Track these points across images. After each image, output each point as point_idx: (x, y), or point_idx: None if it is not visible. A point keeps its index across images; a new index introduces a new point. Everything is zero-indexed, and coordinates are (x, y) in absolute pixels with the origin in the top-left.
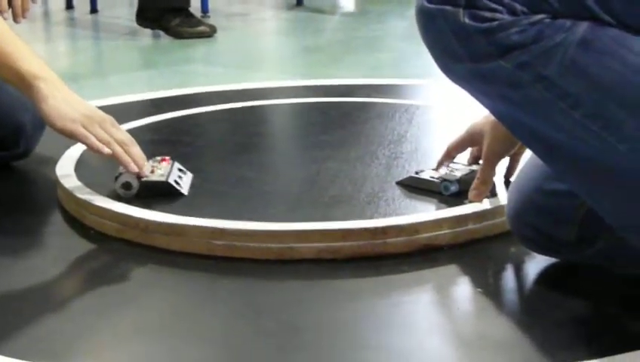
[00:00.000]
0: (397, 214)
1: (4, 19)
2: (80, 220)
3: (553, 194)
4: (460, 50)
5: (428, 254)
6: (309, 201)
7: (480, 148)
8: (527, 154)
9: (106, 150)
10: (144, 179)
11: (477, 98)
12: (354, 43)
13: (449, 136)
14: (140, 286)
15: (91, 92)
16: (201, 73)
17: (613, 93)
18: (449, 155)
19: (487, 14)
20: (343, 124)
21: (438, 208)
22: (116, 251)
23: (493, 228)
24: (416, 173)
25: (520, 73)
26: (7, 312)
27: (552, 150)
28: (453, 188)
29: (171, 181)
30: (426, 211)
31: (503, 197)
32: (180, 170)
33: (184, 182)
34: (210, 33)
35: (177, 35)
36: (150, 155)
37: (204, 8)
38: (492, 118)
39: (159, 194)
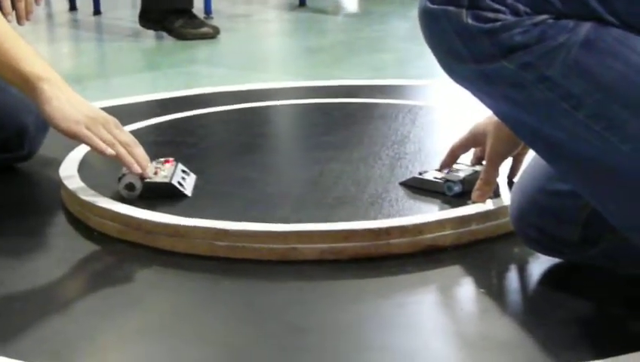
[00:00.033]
0: (400, 215)
1: (8, 21)
2: (83, 221)
3: (556, 194)
4: (463, 50)
5: (431, 255)
6: (313, 202)
7: (483, 149)
8: (531, 155)
9: (110, 151)
10: (147, 180)
11: (480, 98)
12: (357, 44)
13: (452, 136)
14: (143, 288)
15: (95, 93)
16: (205, 74)
17: (617, 94)
18: (452, 156)
19: (490, 15)
20: (346, 124)
21: (441, 209)
22: (119, 252)
23: (497, 229)
24: (420, 173)
25: (523, 74)
26: (10, 313)
27: (554, 150)
28: (457, 188)
29: (175, 182)
30: (430, 212)
31: (506, 197)
32: (184, 171)
33: (187, 183)
34: (213, 34)
35: (180, 36)
36: (153, 157)
37: (208, 9)
38: (495, 118)
39: (163, 195)
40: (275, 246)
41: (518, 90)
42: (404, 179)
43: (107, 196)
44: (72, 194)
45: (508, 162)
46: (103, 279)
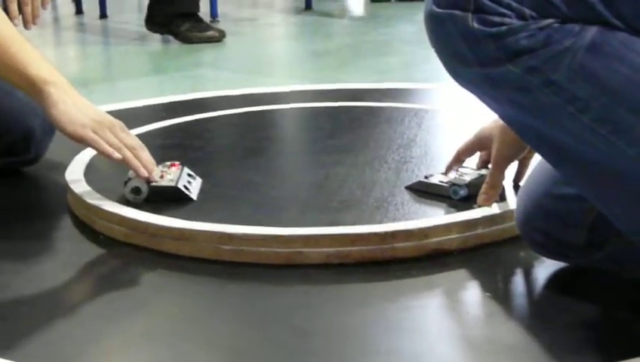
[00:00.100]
0: (406, 219)
1: (15, 25)
2: (89, 225)
3: (562, 198)
4: (469, 54)
5: (437, 259)
6: (318, 206)
7: (489, 153)
8: (536, 159)
9: (117, 155)
10: (153, 184)
11: (486, 102)
12: (363, 47)
13: (458, 140)
14: (148, 291)
15: (101, 97)
16: (211, 78)
17: (622, 98)
18: (458, 160)
19: (496, 19)
20: (351, 128)
21: (447, 213)
22: (125, 256)
23: (503, 233)
24: (426, 177)
25: (529, 78)
26: (17, 317)
27: (560, 154)
28: (463, 192)
29: (181, 186)
30: (436, 216)
31: (512, 201)
32: (190, 175)
33: (193, 187)
34: (219, 38)
35: (186, 39)
36: (160, 160)
37: (214, 13)
38: (501, 122)
39: (168, 199)
40: (280, 249)
41: (524, 94)
42: (409, 183)
43: (113, 200)
44: (78, 198)
45: (514, 166)
46: (108, 282)
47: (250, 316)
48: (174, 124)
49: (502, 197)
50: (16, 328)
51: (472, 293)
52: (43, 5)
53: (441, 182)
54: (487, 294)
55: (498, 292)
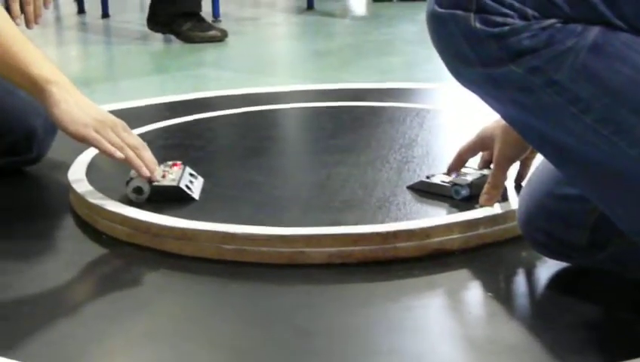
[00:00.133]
0: (408, 218)
1: (17, 24)
2: (92, 225)
3: (564, 198)
4: (471, 54)
5: (439, 258)
6: (320, 206)
7: (491, 153)
8: (539, 159)
9: (119, 154)
10: (155, 183)
11: (488, 102)
12: (365, 47)
13: (460, 140)
14: (151, 291)
15: (103, 96)
16: (213, 77)
17: (625, 98)
18: (460, 160)
19: (499, 19)
20: (353, 128)
21: (449, 212)
22: (128, 256)
23: (505, 233)
24: (427, 177)
25: (531, 78)
26: (19, 316)
27: (562, 154)
28: (465, 192)
29: (182, 186)
30: (437, 215)
31: (514, 201)
32: (191, 174)
33: (195, 186)
34: (221, 37)
35: (188, 39)
36: (161, 160)
37: (216, 13)
38: (503, 122)
39: (170, 198)
40: (282, 249)
41: (526, 94)
42: (411, 183)
43: (115, 199)
44: (81, 198)
45: (515, 166)
46: (110, 282)
47: (253, 316)
48: (176, 123)
49: (504, 198)
50: (19, 328)
51: (474, 293)
52: (45, 4)
53: (443, 182)
54: (489, 294)
55: (500, 293)
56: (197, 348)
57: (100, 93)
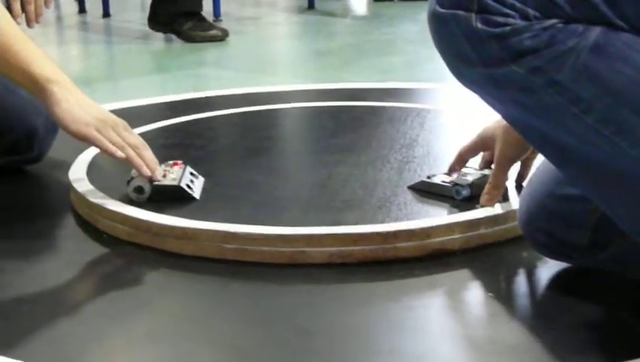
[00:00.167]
0: (408, 218)
1: (18, 23)
2: (92, 224)
3: (565, 198)
4: (473, 54)
5: (440, 259)
6: (321, 205)
7: (492, 153)
8: (540, 159)
9: (120, 153)
10: (156, 183)
11: (489, 102)
12: (365, 46)
13: (461, 140)
14: (152, 290)
15: (104, 96)
16: (213, 77)
17: (626, 98)
18: (461, 160)
19: (500, 19)
20: (354, 127)
21: (449, 213)
22: (128, 255)
23: (505, 233)
24: (428, 177)
25: (532, 78)
26: (19, 316)
27: (564, 155)
28: (465, 192)
29: (183, 185)
30: (438, 216)
31: (514, 201)
32: (192, 174)
33: (196, 186)
34: (222, 37)
35: (189, 38)
36: (162, 159)
37: (216, 12)
38: (504, 122)
39: (171, 198)
40: (283, 249)
41: (528, 94)
42: (412, 183)
43: (116, 199)
44: (81, 197)
45: (516, 166)
46: (111, 281)
47: (253, 315)
48: (177, 122)
49: (504, 198)
50: (19, 327)
51: (475, 293)
52: (46, 4)
53: (444, 182)
54: (490, 294)
55: (501, 293)
56: (198, 348)
57: (100, 93)
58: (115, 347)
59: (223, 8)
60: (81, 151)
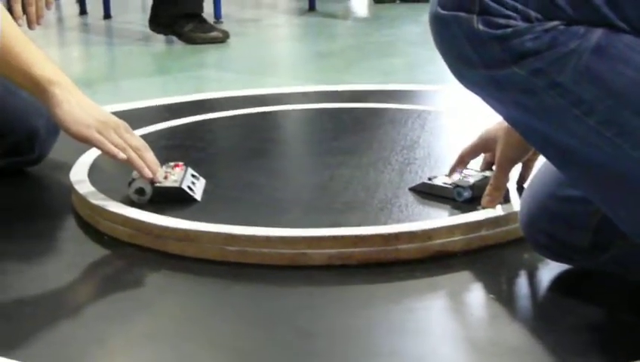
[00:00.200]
0: (410, 220)
1: (19, 25)
2: (94, 226)
3: (567, 200)
4: (474, 56)
5: (441, 260)
6: (322, 207)
7: (493, 155)
8: (541, 161)
9: (121, 155)
10: (157, 184)
11: (490, 104)
12: (367, 48)
13: (462, 142)
14: (153, 292)
15: (105, 97)
16: (214, 79)
17: (628, 100)
18: (462, 161)
19: (501, 21)
20: (355, 129)
21: (451, 214)
22: (129, 257)
23: (507, 235)
24: (429, 179)
25: (534, 80)
26: (20, 317)
27: (565, 156)
28: (467, 194)
29: (184, 187)
30: (439, 217)
31: (516, 203)
32: (193, 175)
33: (197, 187)
34: (223, 39)
35: (190, 40)
36: (163, 161)
37: (217, 14)
38: (505, 124)
39: (172, 199)
40: (284, 251)
41: (529, 96)
42: (413, 185)
43: (117, 200)
44: (83, 198)
45: (518, 168)
46: (112, 283)
47: (254, 317)
48: (178, 124)
49: (506, 199)
50: (20, 328)
51: (476, 295)
52: (47, 6)
53: (445, 183)
54: (491, 296)
55: (502, 294)
56: (198, 349)
57: (101, 94)
58: (116, 348)
59: (223, 10)
60: (83, 152)
